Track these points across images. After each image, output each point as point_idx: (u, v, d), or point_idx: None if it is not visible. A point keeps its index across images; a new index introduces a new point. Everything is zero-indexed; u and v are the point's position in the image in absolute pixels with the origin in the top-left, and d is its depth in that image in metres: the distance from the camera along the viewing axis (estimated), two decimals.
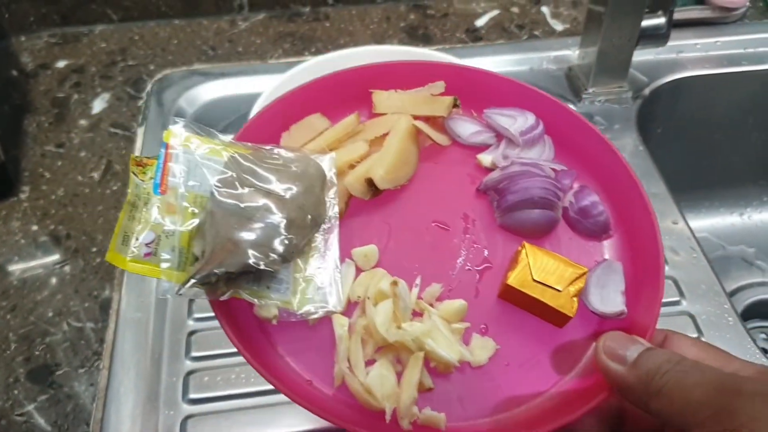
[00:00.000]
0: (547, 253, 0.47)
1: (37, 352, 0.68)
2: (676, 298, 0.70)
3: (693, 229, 0.78)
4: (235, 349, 0.67)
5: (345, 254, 0.48)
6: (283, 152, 0.48)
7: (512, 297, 0.47)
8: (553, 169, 0.52)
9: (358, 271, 0.48)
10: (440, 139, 0.55)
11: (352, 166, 0.51)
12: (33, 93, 0.95)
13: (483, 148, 0.55)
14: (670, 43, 0.91)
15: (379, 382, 0.42)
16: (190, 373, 0.65)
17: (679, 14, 1.01)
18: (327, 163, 0.49)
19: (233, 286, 0.42)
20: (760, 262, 1.07)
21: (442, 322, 0.45)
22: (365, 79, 0.57)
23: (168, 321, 0.70)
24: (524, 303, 0.47)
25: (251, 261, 0.41)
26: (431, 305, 0.47)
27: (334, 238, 0.47)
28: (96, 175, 0.84)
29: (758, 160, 1.10)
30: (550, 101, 0.55)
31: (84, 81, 0.97)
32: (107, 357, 0.67)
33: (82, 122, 0.91)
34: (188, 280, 0.41)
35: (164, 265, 0.42)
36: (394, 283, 0.45)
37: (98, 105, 0.94)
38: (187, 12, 1.07)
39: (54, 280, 0.74)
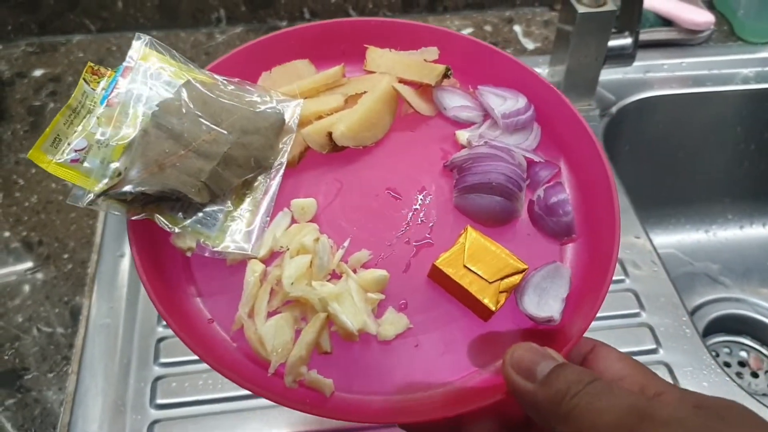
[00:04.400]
0: (489, 241, 0.45)
1: (6, 357, 0.68)
2: (636, 310, 0.72)
3: (660, 245, 0.80)
4: None
5: (285, 203, 0.47)
6: (248, 89, 0.47)
7: (440, 279, 0.45)
8: (531, 160, 0.50)
9: (294, 222, 0.47)
10: (423, 108, 0.53)
11: (320, 118, 0.50)
12: (9, 101, 0.96)
13: (467, 124, 0.53)
14: (637, 63, 0.94)
15: (272, 333, 0.41)
16: (158, 378, 0.66)
17: (646, 35, 1.04)
18: (291, 109, 0.47)
19: (151, 209, 0.41)
20: (724, 278, 1.09)
21: (358, 288, 0.43)
22: (362, 33, 0.55)
23: (137, 327, 0.70)
24: (450, 287, 0.45)
25: (173, 187, 0.40)
26: (354, 271, 0.45)
27: (274, 184, 0.45)
28: (69, 183, 0.85)
29: (722, 179, 1.13)
30: (547, 88, 0.52)
31: (60, 90, 0.98)
32: (76, 362, 0.67)
33: None
34: (102, 193, 0.40)
35: (84, 173, 0.41)
36: (316, 240, 0.44)
37: None
38: (164, 24, 1.08)
39: (25, 287, 0.75)
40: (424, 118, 0.53)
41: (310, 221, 0.47)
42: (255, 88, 0.47)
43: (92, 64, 0.45)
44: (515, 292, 0.45)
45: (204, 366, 0.66)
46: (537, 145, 0.52)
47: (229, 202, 0.44)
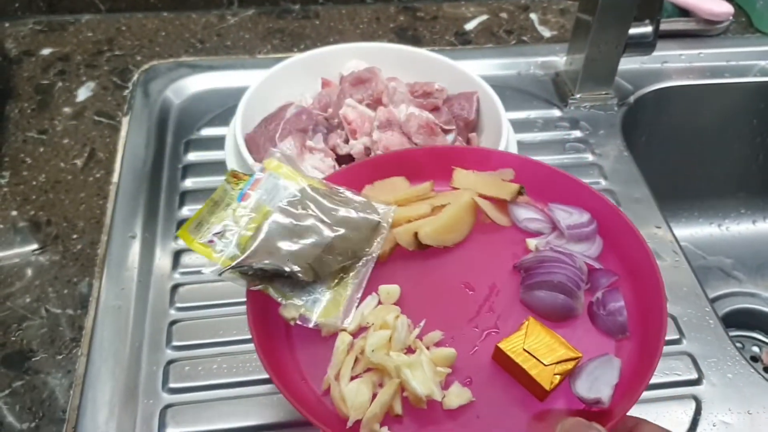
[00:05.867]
0: (548, 331, 0.50)
1: (13, 338, 0.67)
2: None
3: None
4: (216, 339, 0.67)
5: (374, 288, 0.54)
6: (350, 195, 0.57)
7: (501, 360, 0.50)
8: (592, 266, 0.56)
9: (380, 304, 0.54)
10: (499, 218, 0.60)
11: (409, 221, 0.58)
12: (16, 79, 0.94)
13: (537, 234, 0.59)
14: (655, 53, 0.93)
15: (354, 394, 0.48)
16: (170, 362, 0.65)
17: (664, 25, 1.02)
18: (386, 213, 0.57)
19: (266, 283, 0.51)
20: (737, 272, 1.08)
21: (429, 361, 0.49)
22: (450, 157, 0.63)
23: (149, 310, 0.69)
24: (511, 368, 0.49)
25: (284, 267, 0.50)
26: (428, 348, 0.51)
27: (367, 272, 0.54)
28: (79, 162, 0.83)
29: (737, 172, 1.11)
30: (611, 208, 0.58)
31: (69, 69, 0.96)
32: (86, 344, 0.66)
33: (66, 110, 0.90)
34: (230, 267, 0.50)
35: (217, 252, 0.52)
36: (396, 317, 0.51)
37: (83, 93, 0.93)
38: (175, 5, 1.06)
39: (33, 266, 0.73)
40: (500, 228, 0.60)
41: (394, 304, 0.54)
42: (360, 196, 0.58)
43: (233, 170, 0.57)
44: (570, 377, 0.49)
45: (217, 350, 0.66)
46: (599, 254, 0.58)
47: (329, 283, 0.53)
